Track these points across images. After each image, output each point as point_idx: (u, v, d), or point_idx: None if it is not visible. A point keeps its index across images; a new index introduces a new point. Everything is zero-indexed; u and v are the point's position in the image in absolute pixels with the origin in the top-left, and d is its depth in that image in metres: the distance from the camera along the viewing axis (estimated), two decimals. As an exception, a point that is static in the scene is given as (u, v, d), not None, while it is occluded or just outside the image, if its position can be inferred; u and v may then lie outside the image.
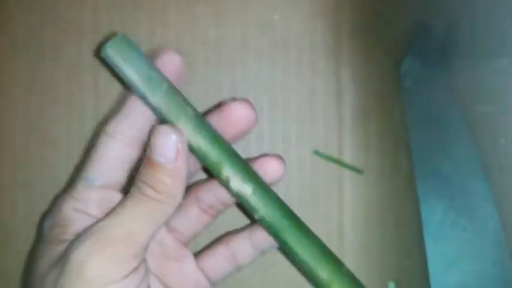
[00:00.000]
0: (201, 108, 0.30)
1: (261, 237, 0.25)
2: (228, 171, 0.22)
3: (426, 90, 0.31)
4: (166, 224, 0.24)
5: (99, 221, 0.20)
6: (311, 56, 0.32)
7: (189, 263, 0.25)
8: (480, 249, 0.27)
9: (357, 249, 0.31)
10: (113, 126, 0.22)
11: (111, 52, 0.22)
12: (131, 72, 0.22)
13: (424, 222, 0.30)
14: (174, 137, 0.20)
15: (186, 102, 0.23)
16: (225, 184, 0.23)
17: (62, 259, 0.19)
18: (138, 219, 0.19)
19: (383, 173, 0.32)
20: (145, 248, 0.20)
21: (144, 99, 0.22)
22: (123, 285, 0.19)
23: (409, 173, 0.32)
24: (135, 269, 0.19)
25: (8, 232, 0.30)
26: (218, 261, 0.25)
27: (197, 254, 0.26)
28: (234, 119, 0.23)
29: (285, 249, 0.25)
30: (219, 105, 0.26)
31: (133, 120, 0.22)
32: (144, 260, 0.20)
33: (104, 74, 0.31)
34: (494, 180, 0.29)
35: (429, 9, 0.32)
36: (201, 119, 0.23)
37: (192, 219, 0.24)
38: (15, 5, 0.30)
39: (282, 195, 0.32)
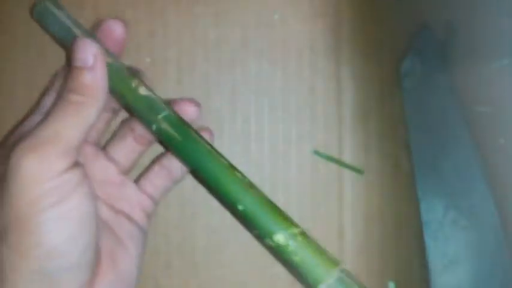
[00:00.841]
0: (201, 109, 0.30)
1: None
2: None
3: (426, 90, 0.31)
4: (107, 154, 0.26)
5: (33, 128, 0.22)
6: (311, 56, 0.32)
7: (130, 187, 0.27)
8: (480, 248, 0.27)
9: (356, 249, 0.31)
10: (63, 69, 0.26)
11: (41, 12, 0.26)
12: (58, 29, 0.25)
13: (424, 222, 0.30)
14: (91, 44, 0.23)
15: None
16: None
17: (4, 162, 0.21)
18: (65, 121, 0.21)
19: (383, 173, 0.32)
20: (76, 149, 0.21)
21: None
22: (57, 182, 0.20)
23: (409, 173, 0.32)
24: (68, 169, 0.21)
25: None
26: (155, 179, 0.27)
27: (136, 179, 0.28)
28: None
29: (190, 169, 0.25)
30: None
31: None
32: (78, 164, 0.22)
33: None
34: (494, 180, 0.29)
35: (429, 9, 0.32)
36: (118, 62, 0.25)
37: (128, 147, 0.27)
38: (15, 4, 0.30)
39: (282, 195, 0.32)
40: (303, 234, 0.22)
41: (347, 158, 0.32)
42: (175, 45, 0.32)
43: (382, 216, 0.32)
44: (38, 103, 0.26)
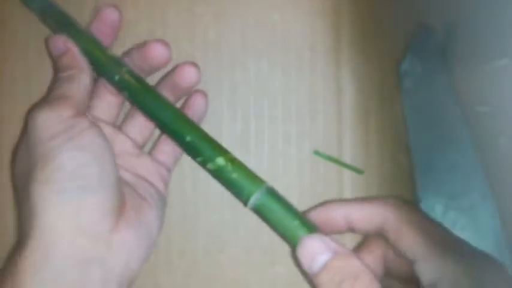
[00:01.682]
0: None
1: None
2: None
3: (426, 90, 0.31)
4: (124, 132, 0.30)
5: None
6: (311, 56, 0.32)
7: (146, 157, 0.30)
8: (479, 249, 0.27)
9: (355, 249, 0.31)
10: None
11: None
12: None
13: None
14: (59, 37, 0.28)
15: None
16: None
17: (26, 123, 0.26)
18: (65, 86, 0.26)
19: (383, 173, 0.32)
20: (80, 104, 0.26)
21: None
22: (68, 124, 0.25)
23: (409, 173, 0.32)
24: (76, 116, 0.25)
25: (9, 232, 0.30)
26: (165, 147, 0.30)
27: (149, 151, 0.31)
28: (150, 56, 0.28)
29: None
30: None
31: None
32: (84, 115, 0.26)
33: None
34: (494, 180, 0.29)
35: (429, 9, 0.32)
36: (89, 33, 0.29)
37: (140, 124, 0.30)
38: (15, 4, 0.30)
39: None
40: (236, 159, 0.27)
41: (347, 157, 0.32)
42: (175, 45, 0.32)
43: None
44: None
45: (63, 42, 0.28)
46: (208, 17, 0.32)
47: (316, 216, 0.28)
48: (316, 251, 0.24)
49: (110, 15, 0.29)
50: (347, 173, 0.32)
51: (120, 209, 0.25)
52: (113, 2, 0.31)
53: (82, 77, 0.27)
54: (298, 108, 0.32)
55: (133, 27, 0.32)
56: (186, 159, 0.32)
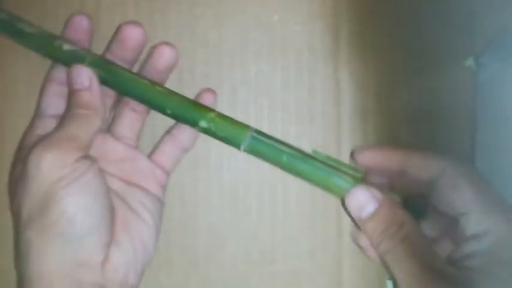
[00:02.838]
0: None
1: None
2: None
3: (500, 87, 0.31)
4: (113, 135, 0.30)
5: (48, 133, 0.27)
6: (310, 57, 0.33)
7: (142, 159, 0.30)
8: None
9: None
10: (51, 73, 0.29)
11: None
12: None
13: None
14: (86, 69, 0.27)
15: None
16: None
17: (24, 162, 0.26)
18: (76, 127, 0.26)
19: (381, 173, 0.32)
20: (87, 147, 0.26)
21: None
22: (72, 168, 0.25)
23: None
24: (80, 159, 0.25)
25: (9, 232, 0.30)
26: (165, 148, 0.30)
27: (149, 154, 0.31)
28: (125, 39, 0.29)
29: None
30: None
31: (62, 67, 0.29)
32: (88, 156, 0.26)
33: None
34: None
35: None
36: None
37: (129, 119, 0.30)
38: (16, 5, 0.30)
39: (280, 195, 0.32)
40: (219, 115, 0.28)
41: (345, 158, 0.32)
42: (175, 45, 0.32)
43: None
44: (38, 106, 0.29)
45: (88, 78, 0.27)
46: (208, 17, 0.32)
47: (371, 156, 0.30)
48: (364, 201, 0.27)
49: (80, 22, 0.29)
50: (345, 173, 0.32)
51: (111, 239, 0.27)
52: (113, 4, 0.32)
53: (96, 120, 0.27)
54: (297, 108, 0.32)
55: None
56: (187, 159, 0.32)
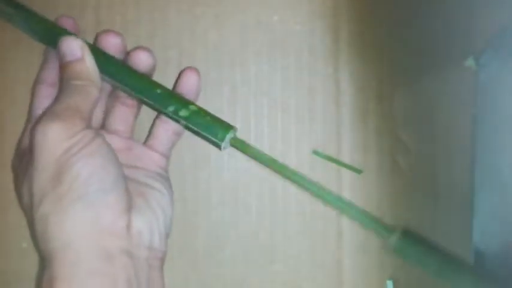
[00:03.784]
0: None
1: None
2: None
3: (500, 87, 0.31)
4: (107, 129, 0.30)
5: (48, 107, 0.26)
6: (310, 57, 0.33)
7: (138, 148, 0.30)
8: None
9: (355, 248, 0.32)
10: (40, 76, 0.29)
11: None
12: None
13: (475, 215, 0.30)
14: (76, 39, 0.27)
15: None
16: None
17: (30, 138, 0.25)
18: (74, 98, 0.26)
19: (381, 173, 0.32)
20: (88, 117, 0.26)
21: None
22: (78, 137, 0.25)
23: (407, 173, 0.32)
24: (84, 128, 0.25)
25: (11, 230, 0.30)
26: (158, 133, 0.30)
27: (144, 142, 0.31)
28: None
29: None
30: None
31: (51, 67, 0.29)
32: (90, 127, 0.26)
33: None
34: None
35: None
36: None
37: (121, 113, 0.30)
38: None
39: (280, 195, 0.32)
40: (200, 109, 0.28)
41: (345, 157, 0.32)
42: (175, 45, 0.32)
43: (380, 215, 0.32)
44: (30, 110, 0.29)
45: (80, 48, 0.27)
46: (208, 17, 0.32)
47: None
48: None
49: (65, 23, 0.29)
50: (346, 173, 0.32)
51: (130, 204, 0.26)
52: (114, 4, 0.32)
53: (93, 90, 0.27)
54: (297, 108, 0.32)
55: (134, 28, 0.32)
56: (186, 159, 0.32)
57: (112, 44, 0.29)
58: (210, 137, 0.27)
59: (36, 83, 0.29)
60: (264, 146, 0.32)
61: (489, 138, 0.31)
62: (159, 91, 0.28)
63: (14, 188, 0.29)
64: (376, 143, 0.32)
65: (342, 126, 0.32)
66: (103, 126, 0.30)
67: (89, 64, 0.27)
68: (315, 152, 0.32)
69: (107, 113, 0.30)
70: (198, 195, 0.32)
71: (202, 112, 0.28)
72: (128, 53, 0.29)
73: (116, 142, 0.29)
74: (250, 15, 0.32)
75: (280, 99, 0.32)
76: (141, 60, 0.29)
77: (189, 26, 0.32)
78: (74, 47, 0.27)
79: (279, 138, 0.32)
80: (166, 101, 0.28)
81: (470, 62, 0.32)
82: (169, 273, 0.32)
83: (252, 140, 0.32)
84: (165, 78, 0.32)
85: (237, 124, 0.32)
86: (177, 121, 0.28)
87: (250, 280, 0.32)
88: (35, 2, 0.30)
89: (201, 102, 0.31)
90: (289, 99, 0.32)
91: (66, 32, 0.28)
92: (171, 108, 0.28)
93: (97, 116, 0.30)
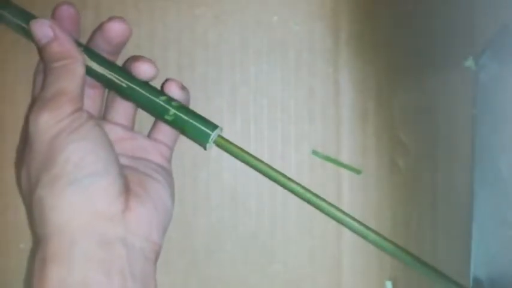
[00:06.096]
0: (201, 109, 0.30)
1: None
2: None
3: (500, 88, 0.31)
4: (111, 121, 0.30)
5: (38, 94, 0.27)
6: (309, 57, 0.33)
7: (142, 138, 0.30)
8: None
9: (354, 248, 0.32)
10: (39, 66, 0.29)
11: None
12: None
13: (474, 216, 0.30)
14: (43, 21, 0.27)
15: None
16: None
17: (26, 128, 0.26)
18: (60, 81, 0.26)
19: (380, 173, 0.32)
20: (78, 97, 0.26)
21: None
22: (69, 120, 0.25)
23: (406, 173, 0.32)
24: (75, 111, 0.25)
25: (10, 231, 0.30)
26: (161, 126, 0.30)
27: (148, 134, 0.31)
28: (110, 35, 0.28)
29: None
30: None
31: None
32: (82, 109, 0.26)
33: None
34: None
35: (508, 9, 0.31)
36: None
37: (121, 106, 0.30)
38: (17, 3, 0.30)
39: (280, 195, 0.32)
40: (183, 106, 0.28)
41: (345, 158, 0.32)
42: (175, 45, 0.32)
43: (380, 216, 0.32)
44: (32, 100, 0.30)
45: (50, 28, 0.27)
46: (208, 18, 0.32)
47: None
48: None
49: (66, 11, 0.28)
50: (345, 173, 0.32)
51: (127, 189, 0.26)
52: (114, 4, 0.32)
53: (77, 67, 0.26)
54: (297, 109, 0.32)
55: (134, 28, 0.32)
56: (186, 159, 0.32)
57: (116, 34, 0.28)
58: (195, 136, 0.28)
59: (37, 72, 0.29)
60: (263, 146, 0.32)
61: (489, 138, 0.31)
62: (146, 88, 0.28)
63: (15, 172, 0.30)
64: (376, 143, 0.32)
65: (341, 127, 0.32)
66: (104, 118, 0.30)
67: (63, 41, 0.27)
68: (314, 152, 0.32)
69: (106, 106, 0.30)
70: (198, 196, 0.32)
71: (185, 110, 0.28)
72: (127, 60, 0.29)
73: (119, 132, 0.29)
74: (249, 15, 0.32)
75: (280, 99, 0.32)
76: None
77: (189, 26, 0.32)
78: (44, 28, 0.27)
79: (279, 138, 0.32)
80: (156, 90, 0.28)
81: (470, 62, 0.32)
82: (169, 274, 0.32)
83: (251, 140, 0.32)
84: (164, 78, 0.32)
85: (236, 124, 0.32)
86: (162, 119, 0.28)
87: (250, 280, 0.32)
88: (35, 2, 0.31)
89: (201, 102, 0.32)
90: (289, 99, 0.32)
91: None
92: (162, 98, 0.28)
93: (96, 106, 0.30)
